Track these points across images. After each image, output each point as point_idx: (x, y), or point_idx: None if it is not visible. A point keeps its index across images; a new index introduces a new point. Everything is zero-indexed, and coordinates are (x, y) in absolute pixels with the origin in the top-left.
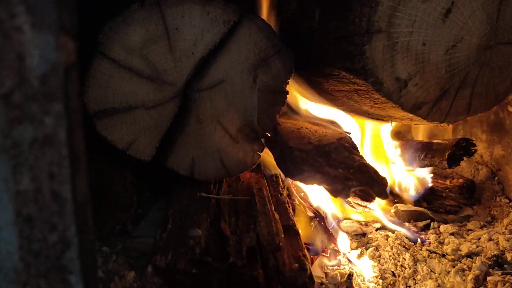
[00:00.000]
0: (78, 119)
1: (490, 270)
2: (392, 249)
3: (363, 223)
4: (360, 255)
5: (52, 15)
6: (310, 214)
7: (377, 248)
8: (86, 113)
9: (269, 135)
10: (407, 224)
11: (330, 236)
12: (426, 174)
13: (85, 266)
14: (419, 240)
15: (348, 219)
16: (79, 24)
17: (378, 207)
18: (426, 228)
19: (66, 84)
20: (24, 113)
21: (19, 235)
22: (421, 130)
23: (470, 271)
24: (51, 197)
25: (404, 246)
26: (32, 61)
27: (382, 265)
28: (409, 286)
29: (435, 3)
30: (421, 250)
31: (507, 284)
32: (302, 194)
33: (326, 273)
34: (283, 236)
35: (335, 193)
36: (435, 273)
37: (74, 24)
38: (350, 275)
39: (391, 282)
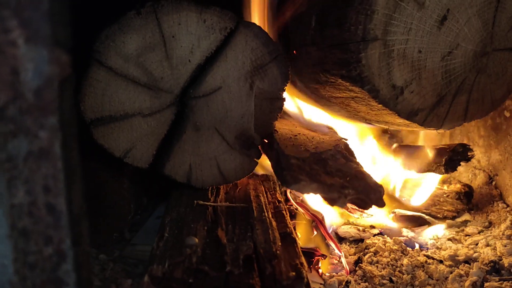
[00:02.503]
0: (72, 132)
1: (487, 276)
2: (390, 254)
3: (360, 228)
4: (358, 261)
5: (45, 29)
6: (308, 218)
7: (375, 254)
8: (83, 121)
9: (266, 141)
10: (405, 229)
11: (329, 242)
12: (429, 179)
13: (80, 278)
14: (417, 245)
15: (346, 224)
16: (75, 32)
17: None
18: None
19: (61, 97)
20: (18, 126)
21: (14, 248)
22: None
23: (467, 277)
24: (46, 210)
25: (402, 252)
26: (27, 75)
27: (380, 271)
28: None
29: (431, 11)
30: (419, 255)
31: None
32: (300, 199)
33: (324, 280)
34: (280, 244)
35: (331, 201)
36: (433, 279)
37: (68, 37)
38: (348, 282)
39: None
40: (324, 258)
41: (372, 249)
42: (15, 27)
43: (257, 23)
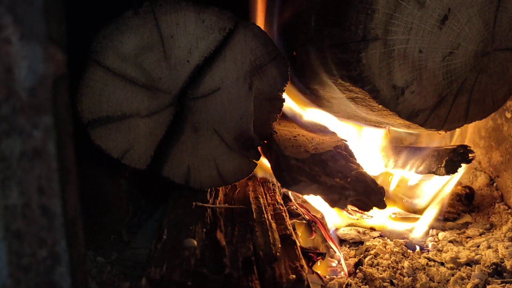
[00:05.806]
0: (67, 131)
1: (489, 278)
2: (390, 257)
3: (361, 230)
4: (358, 263)
5: (40, 26)
6: (308, 219)
7: (375, 256)
8: (80, 122)
9: (266, 142)
10: (405, 231)
11: (329, 243)
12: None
13: (76, 281)
14: (417, 248)
15: (346, 226)
16: (72, 31)
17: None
18: (424, 235)
19: (55, 96)
20: (12, 126)
21: (8, 250)
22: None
23: (469, 279)
24: (40, 212)
25: (402, 254)
26: (20, 73)
27: (380, 274)
28: None
29: (432, 10)
30: (419, 258)
31: None
32: (301, 200)
33: (324, 282)
34: (280, 246)
35: (332, 203)
36: (434, 281)
37: (63, 35)
38: (348, 285)
39: None
40: (324, 258)
41: (372, 252)
42: (9, 24)
43: (257, 23)
